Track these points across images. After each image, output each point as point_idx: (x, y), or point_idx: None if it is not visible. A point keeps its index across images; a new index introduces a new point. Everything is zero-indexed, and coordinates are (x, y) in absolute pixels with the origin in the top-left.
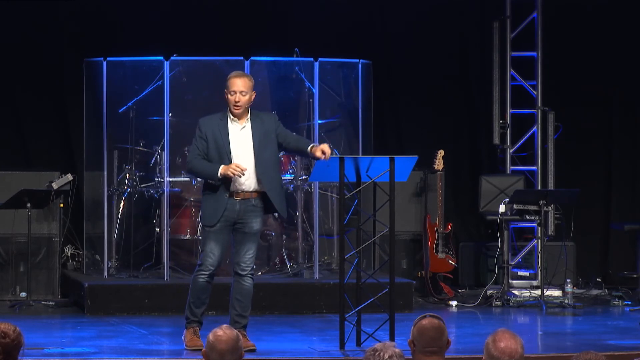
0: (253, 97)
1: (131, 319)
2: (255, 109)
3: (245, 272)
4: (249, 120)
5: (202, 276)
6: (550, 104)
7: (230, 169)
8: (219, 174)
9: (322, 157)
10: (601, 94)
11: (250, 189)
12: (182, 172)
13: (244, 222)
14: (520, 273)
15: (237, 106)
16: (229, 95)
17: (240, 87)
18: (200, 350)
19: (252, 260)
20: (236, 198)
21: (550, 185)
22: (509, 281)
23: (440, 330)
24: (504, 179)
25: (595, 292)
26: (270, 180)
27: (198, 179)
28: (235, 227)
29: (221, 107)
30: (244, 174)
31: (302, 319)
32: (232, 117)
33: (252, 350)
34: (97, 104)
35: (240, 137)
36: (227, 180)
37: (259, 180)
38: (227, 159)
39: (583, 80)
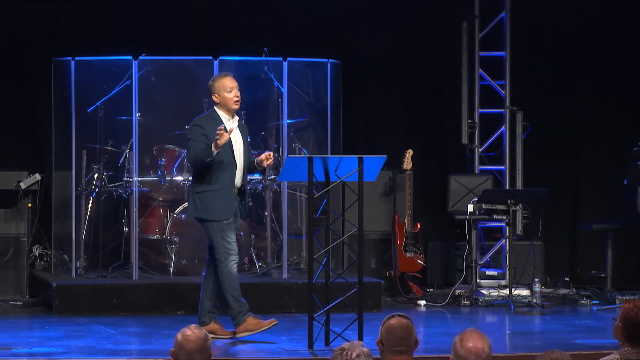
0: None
1: (99, 319)
2: None
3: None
4: (237, 120)
5: (234, 265)
6: (518, 103)
7: (218, 134)
8: (213, 148)
9: (268, 162)
10: (570, 93)
11: (239, 185)
12: (187, 166)
13: (236, 214)
14: (488, 272)
15: (239, 101)
16: (226, 93)
17: (235, 83)
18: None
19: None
20: (236, 193)
21: (519, 185)
22: (478, 280)
23: (409, 330)
24: (472, 179)
25: (563, 291)
26: (245, 179)
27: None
28: None
29: (190, 106)
30: (226, 131)
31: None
32: (227, 115)
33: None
34: (66, 103)
35: (235, 135)
36: (232, 178)
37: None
38: (230, 152)
39: (552, 80)
